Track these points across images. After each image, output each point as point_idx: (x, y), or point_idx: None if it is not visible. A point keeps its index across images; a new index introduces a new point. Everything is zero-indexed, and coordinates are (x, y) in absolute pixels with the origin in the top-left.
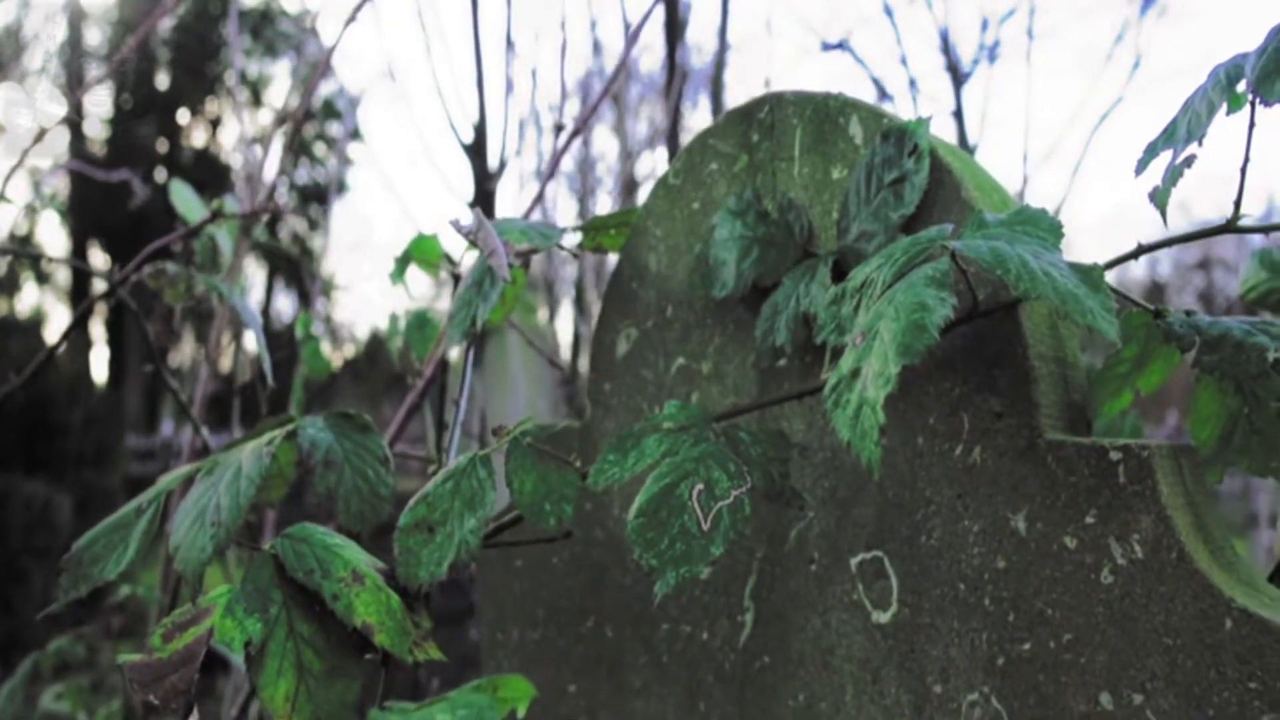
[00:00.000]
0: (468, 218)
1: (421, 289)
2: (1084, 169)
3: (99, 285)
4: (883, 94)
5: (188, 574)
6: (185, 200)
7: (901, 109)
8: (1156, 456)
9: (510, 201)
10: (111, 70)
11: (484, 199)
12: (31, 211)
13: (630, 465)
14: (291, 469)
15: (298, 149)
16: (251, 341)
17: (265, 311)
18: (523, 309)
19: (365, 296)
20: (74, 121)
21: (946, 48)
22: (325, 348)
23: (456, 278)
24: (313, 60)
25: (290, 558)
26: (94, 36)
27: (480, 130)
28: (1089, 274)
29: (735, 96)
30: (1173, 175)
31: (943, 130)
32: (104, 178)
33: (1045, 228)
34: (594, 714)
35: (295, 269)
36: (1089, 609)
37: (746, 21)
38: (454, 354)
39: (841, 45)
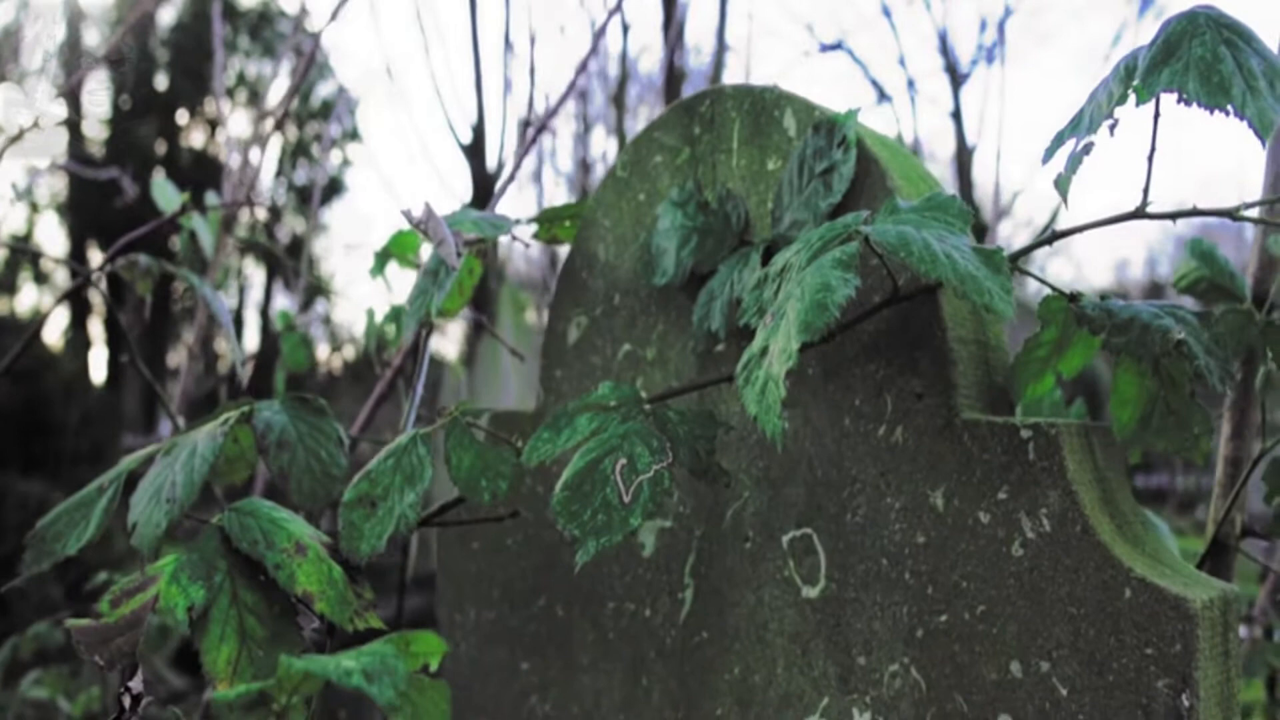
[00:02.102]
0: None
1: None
2: (1082, 169)
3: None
4: (882, 95)
5: (144, 548)
6: (166, 196)
7: (900, 109)
8: (1064, 434)
9: (510, 202)
10: (101, 62)
11: (482, 200)
12: (31, 209)
13: (563, 442)
14: (254, 453)
15: (296, 149)
16: (249, 339)
17: (264, 311)
18: (514, 307)
19: (365, 297)
20: (73, 122)
21: (945, 48)
22: (325, 348)
23: (417, 269)
24: (315, 61)
25: (236, 529)
26: (93, 37)
27: (479, 131)
28: (991, 257)
29: None
30: (1073, 162)
31: (942, 130)
32: (92, 175)
33: (954, 213)
34: (545, 691)
35: (295, 269)
36: (1001, 581)
37: (745, 22)
38: (452, 350)
39: (839, 46)
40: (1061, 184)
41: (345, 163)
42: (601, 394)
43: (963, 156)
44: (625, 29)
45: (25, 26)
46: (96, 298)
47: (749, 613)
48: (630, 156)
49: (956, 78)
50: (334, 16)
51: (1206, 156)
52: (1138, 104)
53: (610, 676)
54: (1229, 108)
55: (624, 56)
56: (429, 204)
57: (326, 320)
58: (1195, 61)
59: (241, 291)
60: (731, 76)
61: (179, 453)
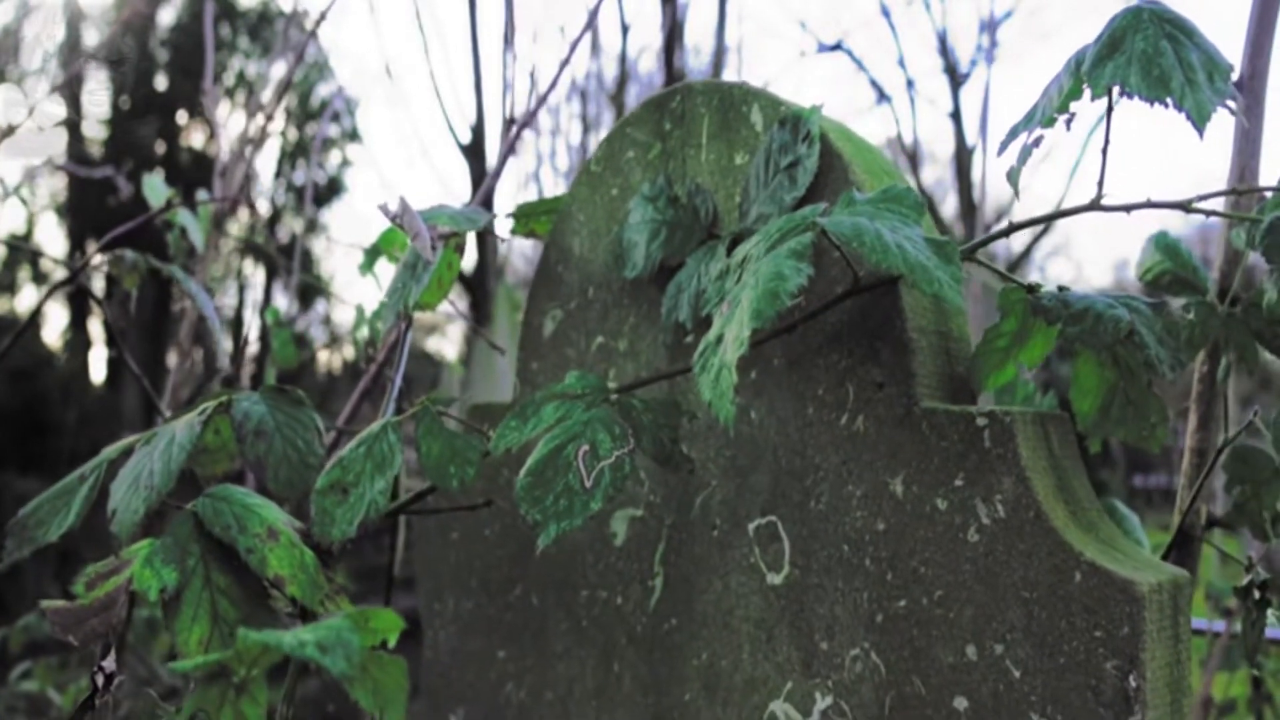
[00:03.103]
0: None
1: None
2: (1081, 170)
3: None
4: (881, 95)
5: (123, 534)
6: (158, 193)
7: (900, 110)
8: (1019, 422)
9: (510, 202)
10: (95, 59)
11: (482, 200)
12: (22, 204)
13: (529, 430)
14: (235, 444)
15: (295, 150)
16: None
17: (263, 311)
18: (511, 306)
19: (365, 297)
20: (72, 122)
21: (944, 49)
22: (324, 350)
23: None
24: (313, 62)
25: (209, 514)
26: (93, 37)
27: (478, 131)
28: (942, 247)
29: None
30: (1023, 155)
31: (942, 130)
32: (85, 174)
33: (908, 205)
34: (520, 678)
35: (287, 268)
36: (957, 566)
37: (744, 23)
38: (450, 352)
39: (839, 46)
40: (1012, 176)
41: (345, 163)
42: (568, 383)
43: (962, 157)
44: (625, 29)
45: (25, 26)
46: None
47: (716, 599)
48: (604, 152)
49: (956, 78)
50: (323, 16)
51: (1201, 155)
52: (1093, 98)
53: (583, 663)
54: (1168, 100)
55: (623, 57)
56: (404, 198)
57: (326, 320)
58: (1138, 55)
59: (241, 291)
60: (731, 77)
61: (158, 442)
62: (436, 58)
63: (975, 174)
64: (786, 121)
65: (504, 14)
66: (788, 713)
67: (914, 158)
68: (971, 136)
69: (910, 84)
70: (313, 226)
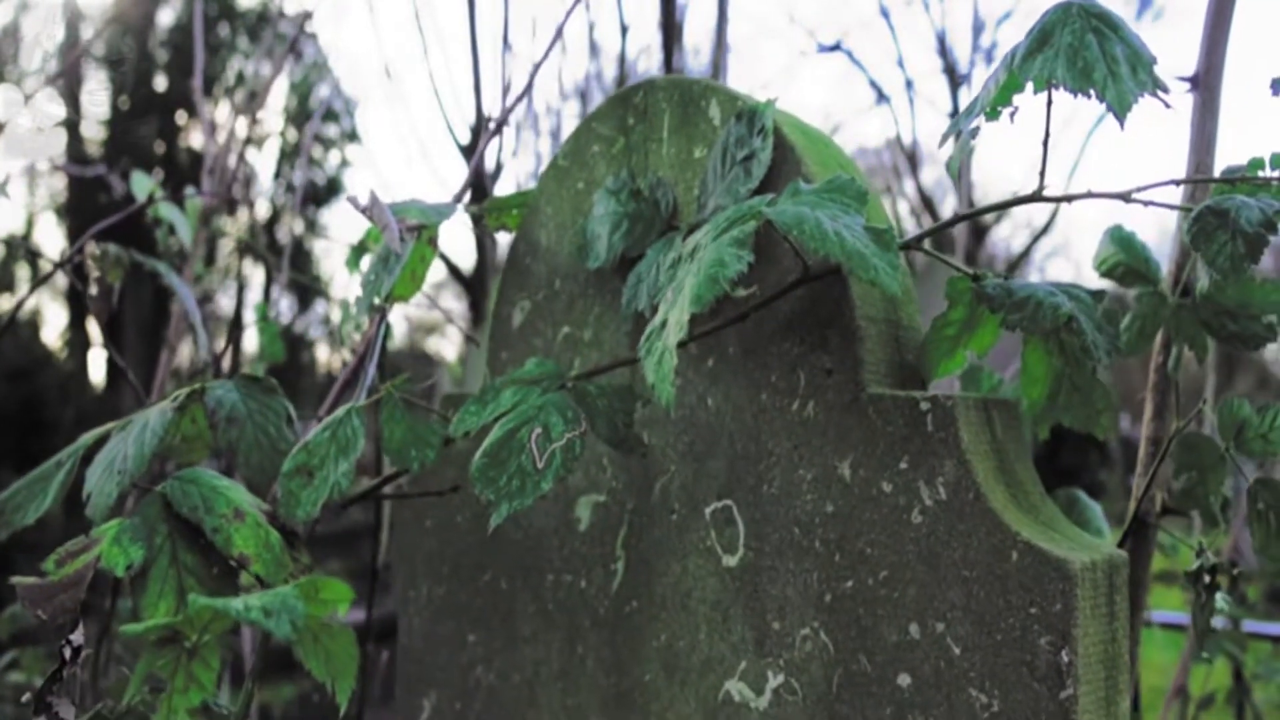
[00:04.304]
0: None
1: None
2: (1080, 170)
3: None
4: (881, 95)
5: (97, 517)
6: (144, 190)
7: (899, 110)
8: (960, 407)
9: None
10: (88, 57)
11: (479, 201)
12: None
13: (488, 414)
14: (210, 432)
15: (295, 150)
16: (250, 338)
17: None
18: None
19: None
20: (72, 122)
21: (943, 50)
22: (324, 351)
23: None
24: (313, 62)
25: (178, 495)
26: (91, 37)
27: (477, 132)
28: (881, 235)
29: None
30: (961, 145)
31: (941, 131)
32: (78, 173)
33: (851, 194)
34: (490, 661)
35: (296, 270)
36: (901, 547)
37: (744, 24)
38: (449, 352)
39: (838, 47)
40: (951, 166)
41: (344, 163)
42: (527, 370)
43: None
44: (624, 30)
45: (24, 27)
46: (114, 299)
47: (675, 582)
48: (571, 146)
49: (955, 79)
50: (309, 14)
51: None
52: (1035, 91)
53: (549, 646)
54: (1091, 91)
55: (622, 58)
56: (373, 191)
57: (326, 320)
58: (1064, 49)
59: (241, 290)
60: (731, 78)
61: (132, 428)
62: (436, 58)
63: (975, 174)
64: (743, 116)
65: (502, 14)
66: (742, 691)
67: (913, 158)
68: None
69: (909, 84)
70: (312, 227)
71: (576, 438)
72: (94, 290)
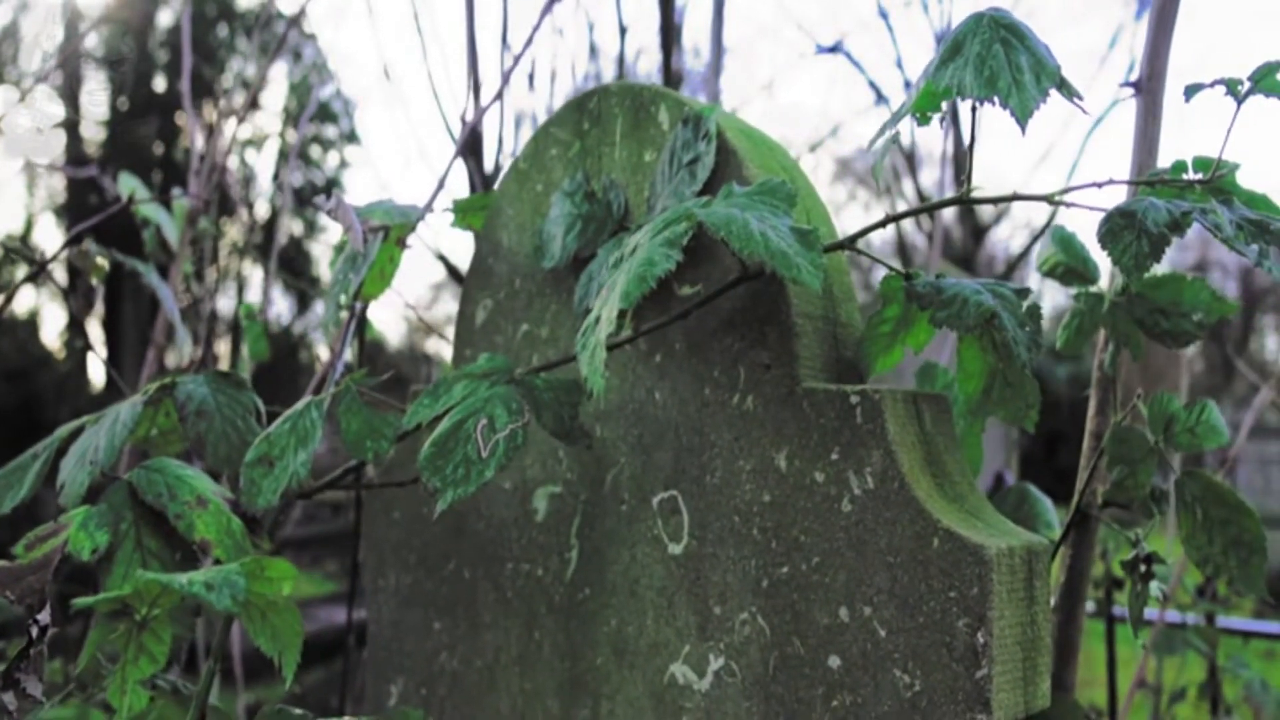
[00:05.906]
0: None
1: (419, 291)
2: (1080, 170)
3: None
4: (880, 96)
5: (69, 506)
6: (132, 189)
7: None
8: (887, 400)
9: None
10: (88, 58)
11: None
12: None
13: (439, 406)
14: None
15: (290, 150)
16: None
17: (262, 312)
18: None
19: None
20: (71, 123)
21: None
22: (323, 351)
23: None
24: (311, 64)
25: (143, 483)
26: (91, 39)
27: (476, 132)
28: (806, 236)
29: (730, 100)
30: (883, 149)
31: (941, 131)
32: (71, 174)
33: (780, 197)
34: (453, 647)
35: (294, 271)
36: (832, 534)
37: (743, 25)
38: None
39: (837, 48)
40: (875, 169)
41: (343, 164)
42: (478, 364)
43: (959, 158)
44: (623, 31)
45: (24, 27)
46: (96, 298)
47: (624, 569)
48: (530, 150)
49: None
50: (301, 11)
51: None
52: (961, 97)
53: (508, 633)
54: (995, 99)
55: (621, 59)
56: (339, 194)
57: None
58: (973, 58)
59: (240, 291)
60: (730, 77)
61: (105, 421)
62: (434, 59)
63: (976, 177)
64: (689, 120)
65: (501, 15)
66: (685, 674)
67: (911, 160)
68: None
69: (908, 85)
70: (311, 228)
71: (520, 428)
72: (80, 288)
